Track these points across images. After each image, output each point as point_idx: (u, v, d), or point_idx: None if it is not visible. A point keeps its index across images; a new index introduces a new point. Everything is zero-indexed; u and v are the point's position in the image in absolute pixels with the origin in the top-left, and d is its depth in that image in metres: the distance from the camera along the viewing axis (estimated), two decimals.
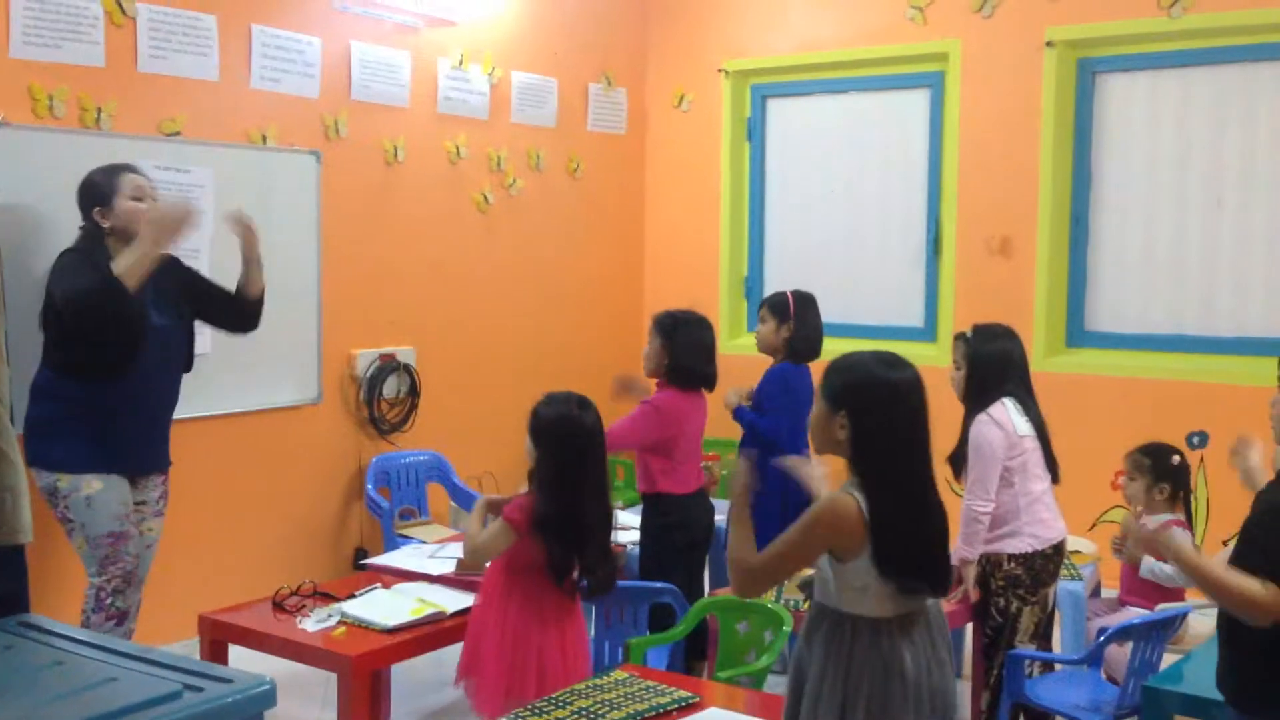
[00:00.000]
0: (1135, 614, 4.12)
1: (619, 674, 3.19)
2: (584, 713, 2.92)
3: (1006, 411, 3.90)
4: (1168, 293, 5.74)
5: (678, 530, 4.34)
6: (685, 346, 4.32)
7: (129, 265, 3.83)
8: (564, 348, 6.66)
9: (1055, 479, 4.02)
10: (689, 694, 3.02)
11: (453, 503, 5.67)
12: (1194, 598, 4.31)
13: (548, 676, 3.34)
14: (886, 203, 6.48)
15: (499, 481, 6.03)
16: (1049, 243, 5.89)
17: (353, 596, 3.85)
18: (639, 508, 4.53)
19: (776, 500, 4.61)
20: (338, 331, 5.51)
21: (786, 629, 3.43)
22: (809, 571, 2.62)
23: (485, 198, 6.22)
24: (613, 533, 3.54)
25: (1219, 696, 3.02)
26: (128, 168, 4.09)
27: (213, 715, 1.95)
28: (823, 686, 2.46)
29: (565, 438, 3.36)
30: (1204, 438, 5.42)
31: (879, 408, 2.46)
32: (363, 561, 4.77)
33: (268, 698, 2.03)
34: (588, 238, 6.87)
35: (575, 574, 3.39)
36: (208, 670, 2.07)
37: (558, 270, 6.69)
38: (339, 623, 3.65)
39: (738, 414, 4.74)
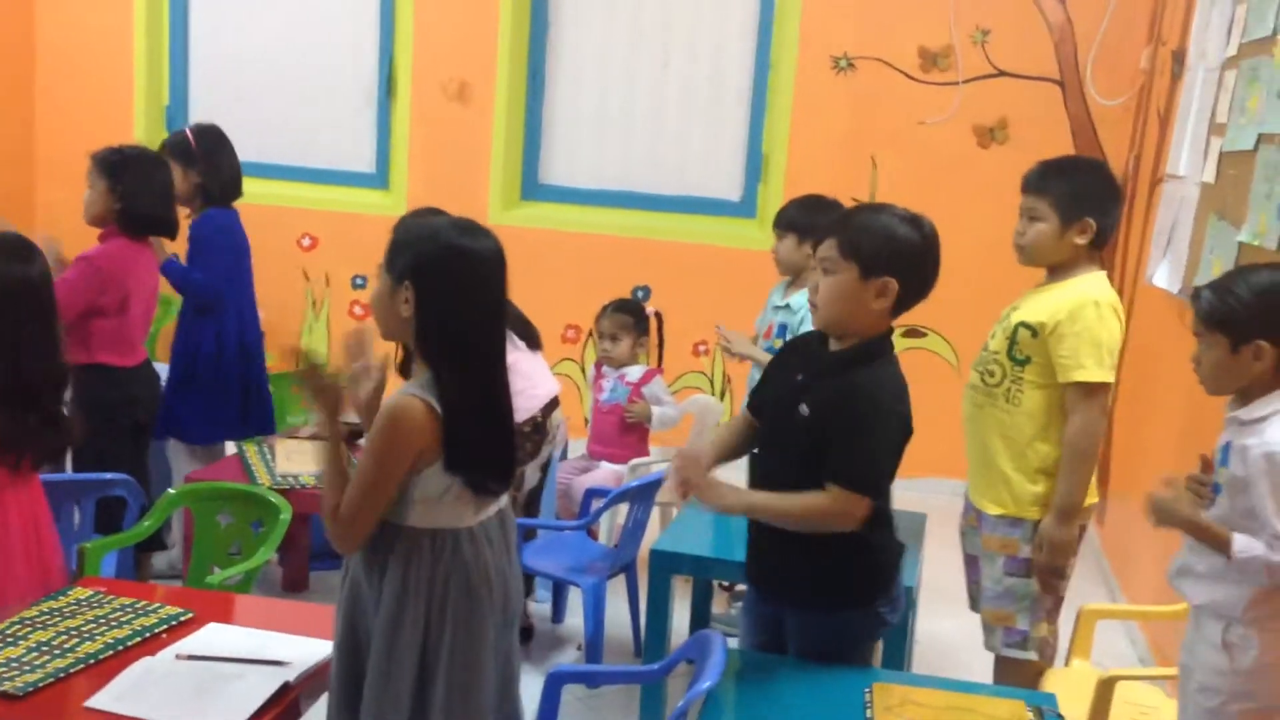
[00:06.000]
0: (610, 470, 4.19)
1: (81, 592, 2.63)
2: (45, 648, 2.35)
3: None
4: (618, 149, 5.85)
5: (121, 409, 3.71)
6: (137, 188, 3.65)
7: None
8: None
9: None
10: (180, 610, 2.55)
11: None
12: (658, 445, 4.50)
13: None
14: (333, 34, 5.93)
15: None
16: (507, 91, 5.73)
17: None
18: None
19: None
20: None
21: (285, 517, 3.03)
22: None
23: None
24: (65, 398, 2.88)
25: (717, 555, 3.17)
26: None
27: None
28: (404, 609, 2.17)
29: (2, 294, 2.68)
30: (648, 292, 5.65)
31: (451, 281, 2.13)
32: None
33: None
34: None
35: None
36: None
37: None
38: None
39: (165, 268, 4.08)
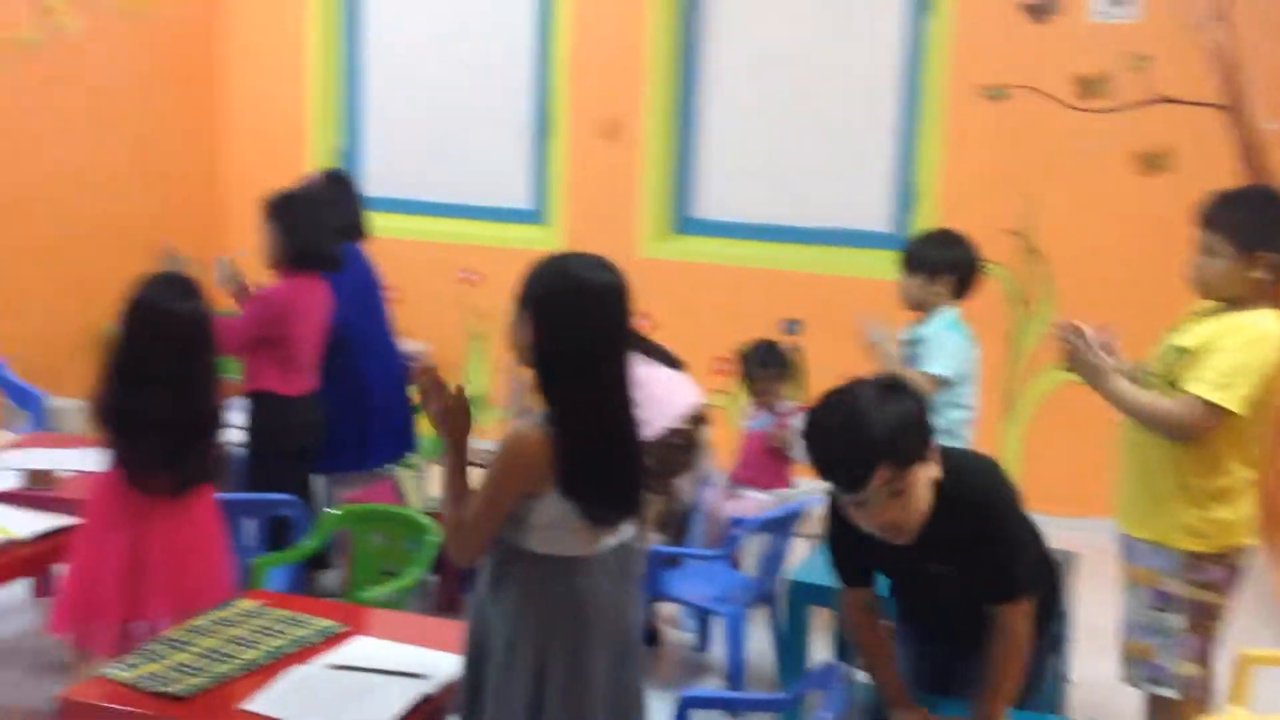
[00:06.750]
0: (756, 500, 4.23)
1: (246, 603, 2.82)
2: (211, 654, 2.53)
3: None
4: (768, 182, 5.89)
5: (285, 434, 3.94)
6: (297, 226, 3.88)
7: None
8: (127, 218, 5.86)
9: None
10: (333, 623, 2.70)
11: (9, 401, 4.84)
12: (805, 477, 4.51)
13: (154, 594, 2.89)
14: (494, 76, 6.16)
15: None
16: (656, 127, 5.85)
17: None
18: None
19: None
20: None
21: (433, 538, 3.18)
22: None
23: (25, 37, 5.27)
24: (219, 433, 3.09)
25: None
26: None
27: None
28: (518, 633, 2.26)
29: (144, 321, 2.91)
30: (797, 325, 5.67)
31: (566, 310, 2.22)
32: None
33: None
34: (153, 93, 6.05)
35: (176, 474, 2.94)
36: None
37: (118, 128, 5.84)
38: None
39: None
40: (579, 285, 2.22)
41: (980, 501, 2.33)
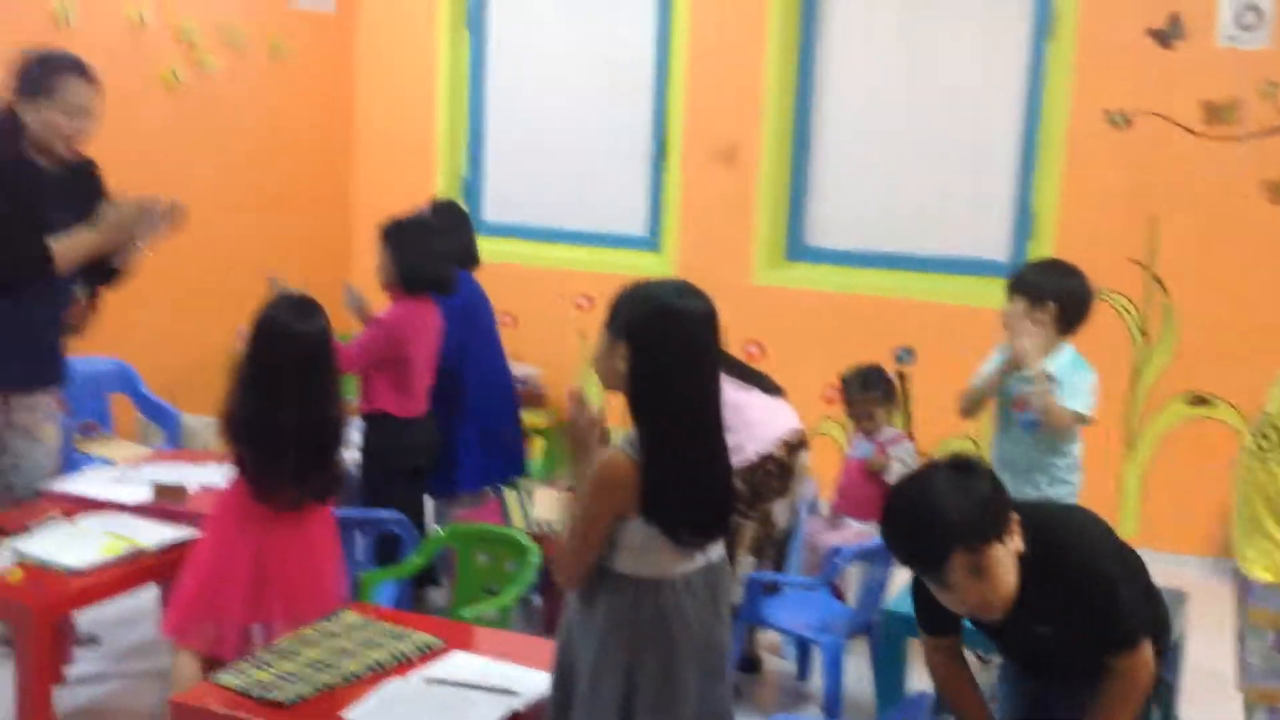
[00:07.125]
0: (856, 530, 4.20)
1: (351, 616, 2.93)
2: (315, 664, 2.64)
3: None
4: (883, 209, 5.86)
5: (396, 454, 4.08)
6: (409, 251, 4.03)
7: (74, 250, 3.60)
8: (264, 245, 6.12)
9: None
10: (432, 638, 2.79)
11: (142, 416, 5.11)
12: None
13: (271, 602, 3.03)
14: (612, 105, 6.28)
15: None
16: (772, 154, 5.88)
17: (26, 531, 3.36)
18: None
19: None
20: None
21: (534, 560, 3.25)
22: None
23: (175, 74, 5.57)
24: (340, 448, 3.22)
25: None
26: (75, 67, 3.60)
27: None
28: (606, 653, 2.30)
29: (269, 341, 3.05)
30: (910, 354, 5.62)
31: (655, 336, 2.27)
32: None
33: None
34: (291, 126, 6.32)
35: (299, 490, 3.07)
36: None
37: (257, 160, 6.12)
38: (14, 564, 3.18)
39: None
40: (667, 311, 2.27)
41: (1073, 563, 2.31)
